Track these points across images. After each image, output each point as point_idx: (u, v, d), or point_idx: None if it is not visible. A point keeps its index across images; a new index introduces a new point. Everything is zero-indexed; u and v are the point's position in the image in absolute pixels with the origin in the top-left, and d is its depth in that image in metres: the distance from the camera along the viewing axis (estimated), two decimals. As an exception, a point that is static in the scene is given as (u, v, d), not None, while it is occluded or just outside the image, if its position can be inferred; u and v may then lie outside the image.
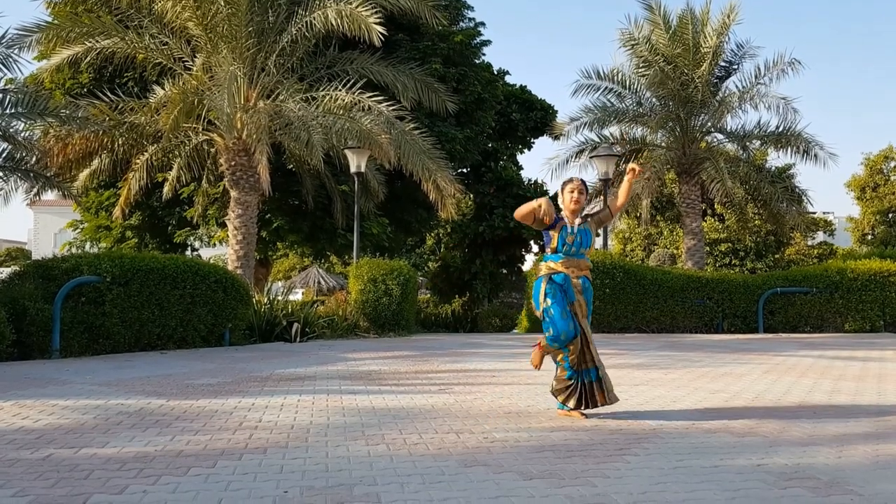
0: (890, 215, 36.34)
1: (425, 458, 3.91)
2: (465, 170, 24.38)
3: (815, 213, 35.93)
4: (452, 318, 23.91)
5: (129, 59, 16.46)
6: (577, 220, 5.14)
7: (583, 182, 5.24)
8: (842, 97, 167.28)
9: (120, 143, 16.44)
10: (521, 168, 28.57)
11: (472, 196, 25.90)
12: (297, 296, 27.58)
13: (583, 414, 5.12)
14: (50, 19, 16.91)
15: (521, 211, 5.08)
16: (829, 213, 45.70)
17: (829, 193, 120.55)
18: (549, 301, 5.02)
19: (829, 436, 4.57)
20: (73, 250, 22.86)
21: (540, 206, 4.97)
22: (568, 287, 5.06)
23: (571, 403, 5.08)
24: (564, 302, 5.02)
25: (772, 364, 9.06)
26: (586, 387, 5.05)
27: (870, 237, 37.06)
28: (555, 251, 5.13)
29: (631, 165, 5.27)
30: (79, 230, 23.69)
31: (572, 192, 5.17)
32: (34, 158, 14.70)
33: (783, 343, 12.99)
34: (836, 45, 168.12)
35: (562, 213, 5.22)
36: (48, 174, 15.58)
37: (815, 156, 21.09)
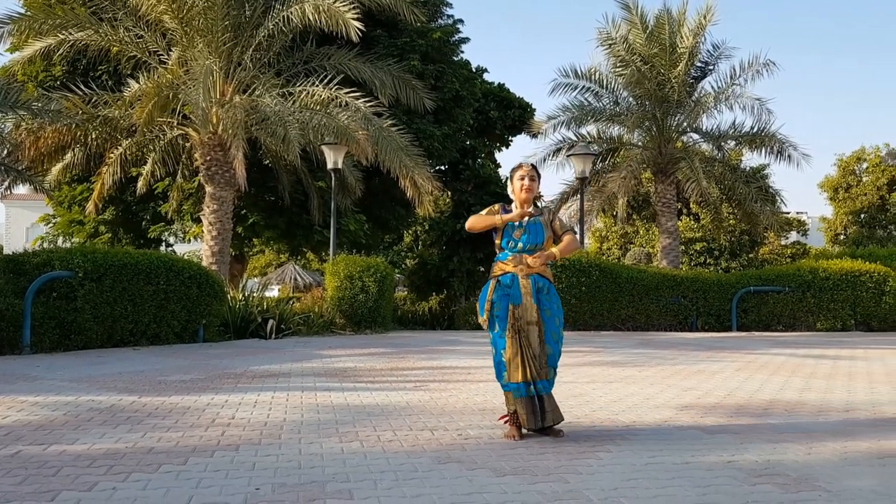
0: (862, 216, 36.84)
1: (399, 455, 3.91)
2: (442, 167, 24.33)
3: (788, 213, 36.37)
4: (429, 315, 23.84)
5: (103, 52, 16.27)
6: (530, 210, 4.54)
7: (534, 167, 4.67)
8: (817, 96, 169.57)
9: (93, 136, 16.24)
10: (499, 166, 28.60)
11: (449, 193, 25.86)
12: (273, 292, 27.41)
13: (519, 434, 4.38)
14: (23, 11, 16.66)
15: (478, 225, 4.59)
16: (802, 213, 46.26)
17: (803, 194, 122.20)
18: (486, 315, 4.46)
19: (798, 433, 4.62)
20: (45, 245, 22.58)
21: (501, 221, 4.52)
22: (513, 289, 4.45)
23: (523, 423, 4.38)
24: (507, 314, 4.43)
25: (744, 362, 9.16)
26: (535, 400, 4.37)
27: (842, 237, 37.56)
28: (500, 248, 4.60)
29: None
30: (51, 225, 23.37)
31: (522, 178, 4.59)
32: (5, 152, 14.54)
33: (756, 341, 13.13)
34: (813, 42, 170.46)
35: (512, 205, 4.68)
36: (20, 168, 15.39)
37: (789, 156, 21.37)
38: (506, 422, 4.52)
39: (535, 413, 4.34)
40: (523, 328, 4.40)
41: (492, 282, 4.54)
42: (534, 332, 4.41)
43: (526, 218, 4.53)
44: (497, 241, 4.61)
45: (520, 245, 4.54)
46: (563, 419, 4.47)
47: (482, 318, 4.50)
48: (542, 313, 4.45)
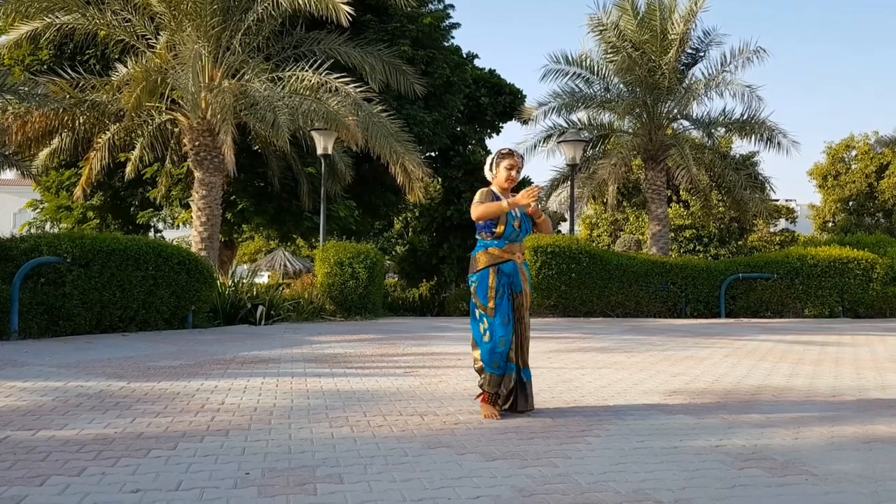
0: (850, 203, 36.99)
1: (389, 440, 3.92)
2: (433, 153, 24.29)
3: (777, 200, 36.49)
4: (420, 301, 23.87)
5: (90, 36, 16.09)
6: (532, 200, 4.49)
7: (522, 158, 4.67)
8: (807, 84, 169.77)
9: (81, 121, 16.10)
10: (489, 153, 28.57)
11: (440, 180, 25.84)
12: (263, 279, 27.38)
13: (498, 411, 4.55)
14: (8, -7, 16.45)
15: (489, 213, 4.44)
16: (791, 200, 46.35)
17: (792, 181, 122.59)
18: (493, 302, 4.43)
19: (786, 418, 4.66)
20: (33, 230, 22.45)
21: (510, 206, 4.45)
22: (515, 277, 4.51)
23: (508, 405, 4.57)
24: (508, 303, 4.48)
25: (732, 348, 9.21)
26: (517, 386, 4.56)
27: (830, 225, 37.72)
28: (499, 237, 4.50)
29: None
30: (39, 210, 23.25)
31: (510, 168, 4.58)
32: (-8, 136, 14.38)
33: (744, 328, 13.20)
34: (804, 30, 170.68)
35: (490, 187, 4.65)
36: (6, 152, 15.27)
37: (779, 144, 21.39)
38: (483, 401, 4.58)
39: (524, 394, 4.57)
40: (523, 316, 4.55)
41: (491, 270, 4.48)
42: (528, 319, 4.59)
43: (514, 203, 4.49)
44: (499, 230, 4.49)
45: (518, 234, 4.58)
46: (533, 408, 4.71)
47: (489, 306, 4.43)
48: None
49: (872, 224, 35.66)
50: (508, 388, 4.53)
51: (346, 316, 14.40)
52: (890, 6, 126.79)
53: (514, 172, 4.59)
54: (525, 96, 26.54)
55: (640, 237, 33.45)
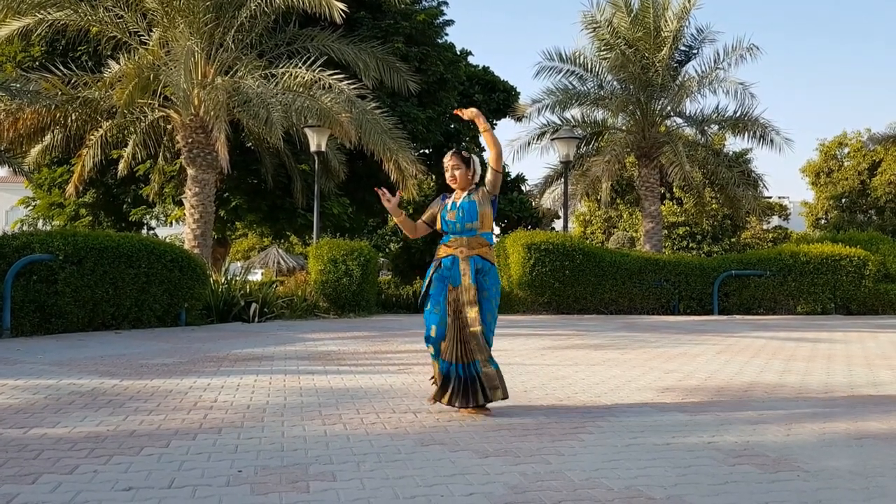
0: (843, 200, 37.10)
1: (382, 438, 3.92)
2: (427, 150, 24.25)
3: (770, 197, 36.64)
4: (414, 299, 23.83)
5: (82, 32, 16.02)
6: (463, 194, 4.61)
7: (457, 154, 4.67)
8: (800, 81, 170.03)
9: (73, 118, 16.04)
10: (483, 150, 28.55)
11: (433, 177, 25.83)
12: (257, 276, 27.28)
13: (433, 396, 4.63)
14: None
15: (408, 229, 4.88)
16: (784, 197, 46.46)
17: (785, 178, 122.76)
18: (426, 291, 4.61)
19: (778, 414, 4.67)
20: (25, 228, 22.37)
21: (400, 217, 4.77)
22: (455, 271, 4.52)
23: (445, 400, 4.51)
24: (443, 294, 4.53)
25: (725, 345, 9.24)
26: (464, 381, 4.45)
27: (823, 222, 37.85)
28: (444, 232, 4.67)
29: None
30: (31, 207, 23.16)
31: (447, 169, 4.67)
32: (-16, 133, 14.31)
33: (737, 324, 13.24)
34: (797, 25, 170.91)
35: (453, 193, 4.74)
36: (-2, 149, 15.17)
37: (772, 141, 21.46)
38: (433, 383, 4.68)
39: (454, 392, 4.46)
40: (460, 310, 4.48)
41: (434, 264, 4.64)
42: (472, 312, 4.45)
43: (462, 198, 4.61)
44: (438, 227, 4.69)
45: (457, 226, 4.57)
46: (506, 397, 4.50)
47: (425, 294, 4.63)
48: (480, 294, 4.52)
49: (865, 221, 35.79)
50: (438, 378, 4.56)
51: (340, 313, 14.39)
52: (883, 2, 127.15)
53: (449, 170, 4.64)
54: (519, 93, 26.56)
55: (634, 234, 33.51)
